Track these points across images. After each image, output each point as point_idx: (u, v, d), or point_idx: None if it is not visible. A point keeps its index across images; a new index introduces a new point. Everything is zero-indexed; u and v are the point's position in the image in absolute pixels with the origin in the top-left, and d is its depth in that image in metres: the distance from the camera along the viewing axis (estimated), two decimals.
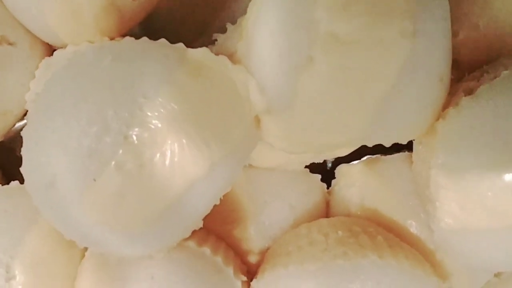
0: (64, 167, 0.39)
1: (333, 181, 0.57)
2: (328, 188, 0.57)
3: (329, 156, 0.53)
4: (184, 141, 0.39)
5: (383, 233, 0.49)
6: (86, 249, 0.49)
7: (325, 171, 0.59)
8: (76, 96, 0.39)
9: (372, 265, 0.45)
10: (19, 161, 0.59)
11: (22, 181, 0.52)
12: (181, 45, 0.43)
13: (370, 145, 0.44)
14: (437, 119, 0.44)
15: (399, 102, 0.40)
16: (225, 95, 0.41)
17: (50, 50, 0.52)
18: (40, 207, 0.42)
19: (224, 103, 0.41)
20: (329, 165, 0.62)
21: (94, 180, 0.39)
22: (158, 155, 0.39)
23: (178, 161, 0.39)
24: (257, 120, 0.43)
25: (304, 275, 0.46)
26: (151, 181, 0.39)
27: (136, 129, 0.39)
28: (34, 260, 0.47)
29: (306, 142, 0.43)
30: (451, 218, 0.43)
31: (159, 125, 0.39)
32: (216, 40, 0.52)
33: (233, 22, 0.49)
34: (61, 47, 0.50)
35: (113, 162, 0.39)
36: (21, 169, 0.42)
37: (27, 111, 0.52)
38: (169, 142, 0.39)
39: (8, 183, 0.53)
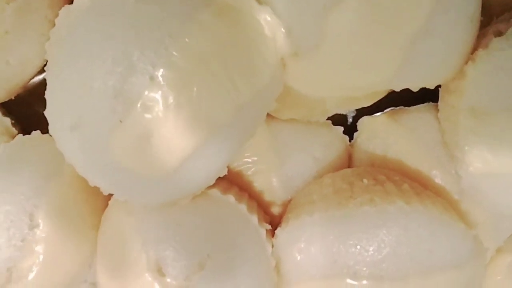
0: (90, 108, 0.39)
1: (355, 134, 0.57)
2: (350, 141, 0.57)
3: (353, 107, 0.52)
4: (211, 82, 0.39)
5: (408, 181, 0.48)
6: (109, 198, 0.49)
7: (346, 126, 0.58)
8: (101, 37, 0.39)
9: (400, 211, 0.45)
10: (37, 115, 0.59)
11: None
12: None
13: (397, 89, 0.44)
14: (466, 63, 0.43)
15: (429, 42, 0.40)
16: (251, 37, 0.40)
17: None
18: (64, 151, 0.42)
19: (250, 45, 0.40)
20: (350, 119, 0.61)
21: (120, 121, 0.38)
22: (184, 96, 0.38)
23: (205, 102, 0.39)
24: (283, 63, 0.42)
25: (330, 221, 0.46)
26: (177, 123, 0.39)
27: (162, 70, 0.38)
28: (58, 209, 0.46)
29: (333, 84, 0.42)
30: (480, 162, 0.43)
31: (186, 65, 0.38)
32: None
33: None
34: None
35: (139, 103, 0.38)
36: (45, 113, 0.42)
37: (46, 61, 0.51)
38: (196, 82, 0.38)
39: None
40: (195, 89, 0.38)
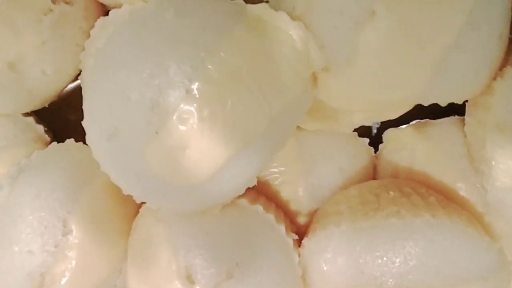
0: (127, 119, 0.40)
1: (380, 145, 0.57)
2: (375, 153, 0.57)
3: (379, 119, 0.53)
4: (244, 95, 0.40)
5: (434, 194, 0.49)
6: (140, 206, 0.50)
7: (370, 137, 0.59)
8: (139, 49, 0.40)
9: (426, 224, 0.45)
10: (70, 123, 0.60)
11: None
12: (240, 0, 0.43)
13: (426, 104, 0.44)
14: (494, 78, 0.44)
15: (460, 58, 0.40)
16: (283, 51, 0.41)
17: (104, 10, 0.53)
18: (100, 160, 0.43)
19: (283, 59, 0.41)
20: (375, 130, 0.62)
21: (156, 132, 0.39)
22: (218, 109, 0.39)
23: (238, 115, 0.40)
24: (314, 77, 0.43)
25: (357, 233, 0.46)
26: (211, 134, 0.39)
27: (198, 83, 0.39)
28: (90, 216, 0.47)
29: (363, 98, 0.43)
30: (507, 176, 0.43)
31: (220, 79, 0.39)
32: None
33: None
34: (115, 7, 0.50)
35: (175, 115, 0.39)
36: (83, 122, 0.43)
37: (80, 71, 0.52)
38: (230, 96, 0.39)
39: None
40: (229, 102, 0.39)
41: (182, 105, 0.39)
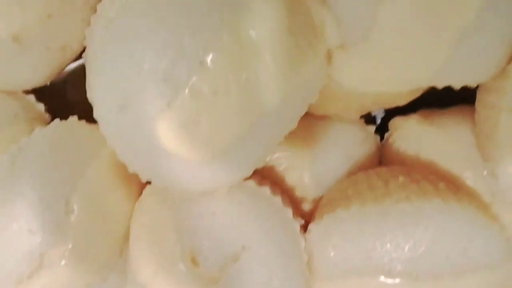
0: (138, 90, 0.39)
1: (386, 134, 0.57)
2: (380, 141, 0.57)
3: (388, 105, 0.53)
4: (259, 69, 0.39)
5: (443, 180, 0.48)
6: (143, 186, 0.49)
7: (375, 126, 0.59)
8: (152, 18, 0.39)
9: (436, 209, 0.45)
10: (69, 103, 0.59)
11: None
12: None
13: (440, 86, 0.44)
14: (509, 62, 0.43)
15: (477, 38, 0.40)
16: (300, 25, 0.41)
17: None
18: (108, 134, 0.42)
19: (299, 33, 0.40)
20: (378, 121, 0.61)
21: (168, 105, 0.38)
22: (233, 82, 0.38)
23: (253, 89, 0.39)
24: (329, 55, 0.43)
25: (366, 217, 0.46)
26: (225, 108, 0.39)
27: (212, 55, 0.38)
28: (93, 195, 0.46)
29: (378, 78, 0.42)
30: None
31: (235, 51, 0.38)
32: None
33: None
34: None
35: (187, 88, 0.38)
36: (91, 95, 0.41)
37: (85, 48, 0.51)
38: (245, 69, 0.38)
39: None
40: (243, 75, 0.38)
41: (195, 78, 0.38)
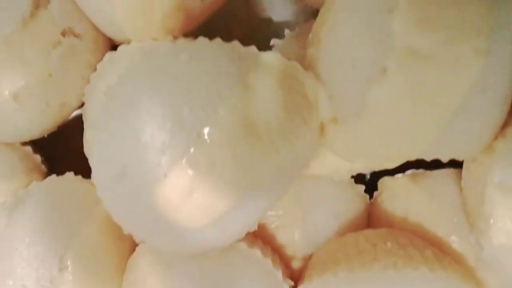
0: (136, 160, 0.40)
1: (375, 193, 0.58)
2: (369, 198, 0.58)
3: (378, 168, 0.54)
4: (254, 143, 0.40)
5: (430, 247, 0.49)
6: (136, 244, 0.50)
7: (364, 183, 0.60)
8: (152, 91, 0.40)
9: (423, 278, 0.46)
10: (66, 152, 0.59)
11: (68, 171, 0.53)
12: (253, 48, 0.43)
13: (428, 159, 0.45)
14: (496, 138, 0.45)
15: (465, 119, 0.41)
16: (295, 100, 0.42)
17: (111, 44, 0.53)
18: (104, 199, 0.42)
19: (294, 108, 0.42)
20: (368, 176, 0.63)
21: (165, 175, 0.39)
22: (228, 155, 0.39)
23: (247, 163, 0.40)
24: (321, 127, 0.44)
25: (354, 282, 0.46)
26: (219, 180, 0.40)
27: (209, 128, 0.39)
28: (87, 252, 0.47)
29: (369, 152, 0.44)
30: (504, 235, 0.44)
31: (232, 125, 0.39)
32: (273, 45, 0.53)
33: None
34: (123, 43, 0.51)
35: (184, 159, 0.39)
36: (90, 160, 0.43)
37: (83, 103, 0.52)
38: (240, 143, 0.40)
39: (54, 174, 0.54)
40: (239, 149, 0.40)
41: (192, 150, 0.39)
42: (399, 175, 0.57)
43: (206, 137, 0.39)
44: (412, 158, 0.45)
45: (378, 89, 0.40)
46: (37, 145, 0.57)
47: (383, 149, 0.43)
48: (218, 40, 0.43)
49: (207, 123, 0.39)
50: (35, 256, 0.46)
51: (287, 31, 0.53)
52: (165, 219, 0.41)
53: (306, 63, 0.44)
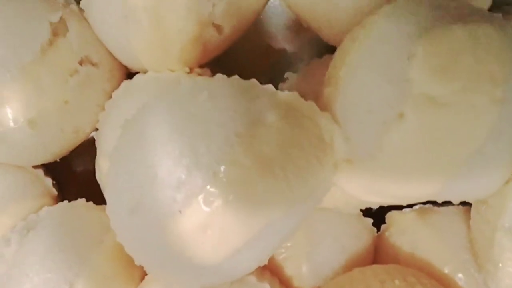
0: (151, 195, 0.40)
1: (382, 226, 0.58)
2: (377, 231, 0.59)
3: (387, 204, 0.54)
4: (270, 181, 0.40)
5: (436, 285, 0.50)
6: (146, 272, 0.50)
7: (370, 215, 0.60)
8: (170, 128, 0.40)
9: None
10: (76, 174, 0.60)
11: (77, 196, 0.53)
12: (270, 86, 0.44)
13: (440, 201, 0.45)
14: (507, 182, 0.45)
15: (479, 164, 0.42)
16: (310, 141, 0.42)
17: (127, 72, 0.53)
18: (118, 231, 0.43)
19: (309, 147, 0.42)
20: (374, 208, 0.63)
21: (180, 211, 0.40)
22: (243, 193, 0.40)
23: (261, 201, 0.40)
24: (335, 166, 0.44)
25: None
26: (234, 217, 0.40)
27: (225, 166, 0.39)
28: (97, 279, 0.47)
29: (382, 192, 0.44)
30: None
31: (248, 164, 0.40)
32: (287, 78, 0.54)
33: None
34: (140, 71, 0.51)
35: (200, 196, 0.39)
36: (105, 192, 0.43)
37: (96, 129, 0.53)
38: (255, 182, 0.40)
39: (63, 197, 0.54)
40: (254, 188, 0.40)
41: (208, 187, 0.39)
42: (407, 209, 0.57)
43: (222, 175, 0.39)
44: (424, 199, 0.45)
45: (394, 132, 0.40)
46: (47, 167, 0.58)
47: (396, 190, 0.43)
48: (236, 77, 0.44)
49: (223, 162, 0.39)
50: (45, 283, 0.46)
51: (302, 66, 0.53)
52: (178, 254, 0.41)
53: (321, 102, 0.44)
